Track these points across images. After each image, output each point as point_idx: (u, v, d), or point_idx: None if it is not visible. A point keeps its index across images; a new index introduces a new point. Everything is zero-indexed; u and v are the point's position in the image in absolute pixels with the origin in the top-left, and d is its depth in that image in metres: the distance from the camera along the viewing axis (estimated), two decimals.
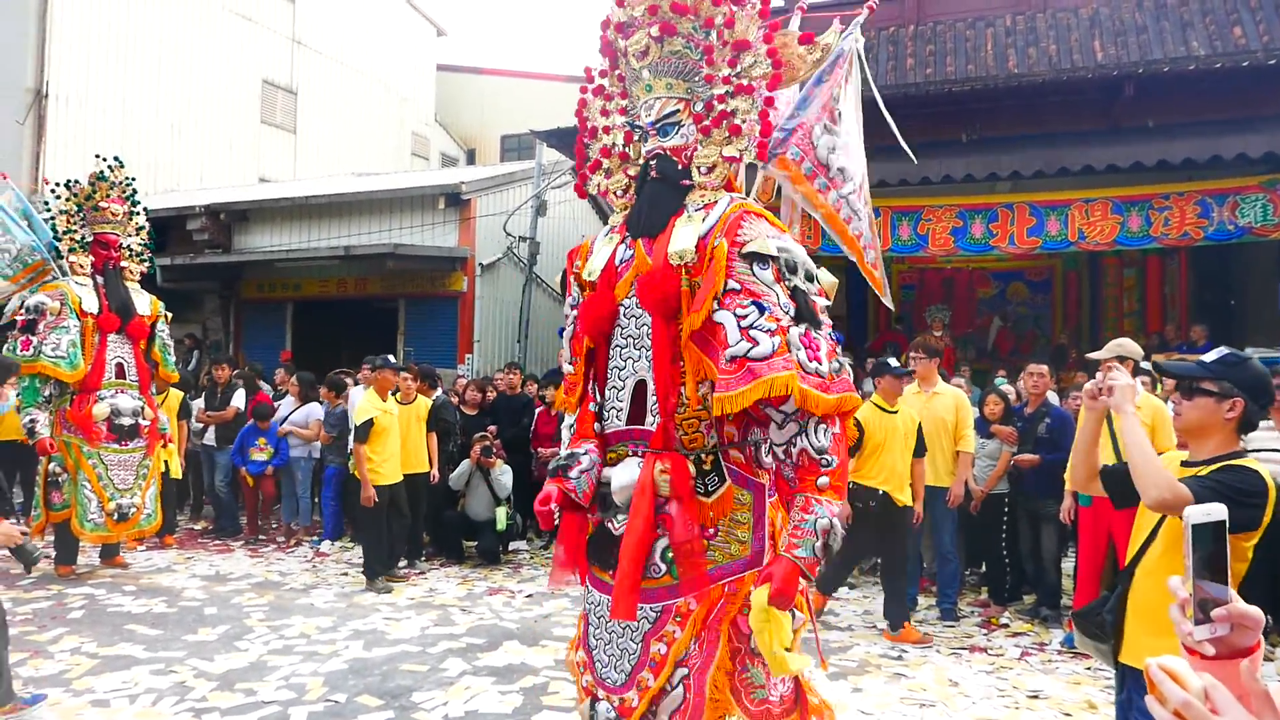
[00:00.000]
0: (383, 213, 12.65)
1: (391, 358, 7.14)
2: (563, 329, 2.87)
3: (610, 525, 2.53)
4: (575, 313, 2.75)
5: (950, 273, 12.17)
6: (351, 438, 6.89)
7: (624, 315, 2.57)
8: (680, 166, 2.56)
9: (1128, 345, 5.18)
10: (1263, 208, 8.07)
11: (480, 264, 12.31)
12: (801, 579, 2.27)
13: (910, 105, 9.72)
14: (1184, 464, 2.46)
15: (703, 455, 2.46)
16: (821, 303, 2.45)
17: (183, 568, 7.17)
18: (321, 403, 8.70)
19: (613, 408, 2.59)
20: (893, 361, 6.05)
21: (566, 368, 2.78)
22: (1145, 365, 5.60)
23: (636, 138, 2.66)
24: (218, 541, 8.37)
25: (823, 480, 2.31)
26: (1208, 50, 9.04)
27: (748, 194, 2.79)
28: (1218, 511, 1.17)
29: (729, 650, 2.38)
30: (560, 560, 2.62)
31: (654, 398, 2.48)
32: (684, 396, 2.45)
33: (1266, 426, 5.56)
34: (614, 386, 2.59)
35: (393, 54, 22.10)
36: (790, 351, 2.28)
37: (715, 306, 2.36)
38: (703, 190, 2.55)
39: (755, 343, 2.27)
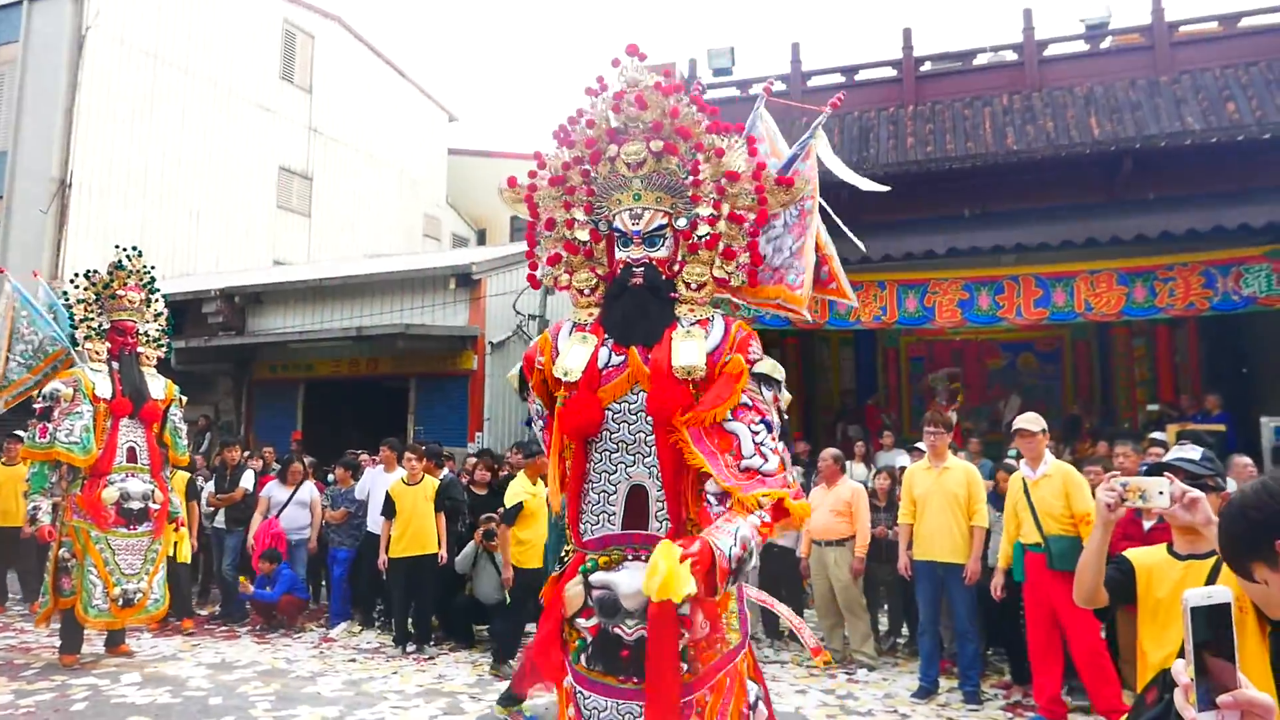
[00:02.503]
0: (394, 293, 12.84)
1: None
2: (530, 420, 2.94)
3: (620, 630, 2.45)
4: (541, 421, 2.82)
5: (959, 344, 12.20)
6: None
7: (612, 419, 2.57)
8: (665, 278, 2.65)
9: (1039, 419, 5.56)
10: (1267, 278, 8.12)
11: (490, 343, 12.42)
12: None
13: (912, 182, 9.93)
14: (1181, 556, 2.38)
15: None
16: (783, 420, 2.60)
17: (188, 655, 7.05)
18: (330, 482, 8.70)
19: (601, 512, 2.57)
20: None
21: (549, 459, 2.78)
22: (1161, 436, 5.55)
23: (603, 237, 2.70)
24: (224, 628, 8.25)
25: (753, 518, 2.29)
26: (1202, 125, 9.22)
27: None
28: (1220, 594, 1.16)
29: None
30: (541, 669, 2.65)
31: (660, 504, 2.52)
32: (690, 513, 2.49)
33: None
34: (602, 491, 2.58)
35: (405, 139, 22.75)
36: (786, 470, 2.44)
37: (728, 416, 2.45)
38: (691, 305, 2.64)
39: (765, 459, 2.40)
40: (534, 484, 6.89)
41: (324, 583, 9.19)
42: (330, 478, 8.95)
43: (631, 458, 2.55)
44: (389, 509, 7.32)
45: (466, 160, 24.74)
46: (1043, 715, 5.26)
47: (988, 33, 35.87)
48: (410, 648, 7.20)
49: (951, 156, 9.94)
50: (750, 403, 2.48)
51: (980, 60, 11.25)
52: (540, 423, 2.83)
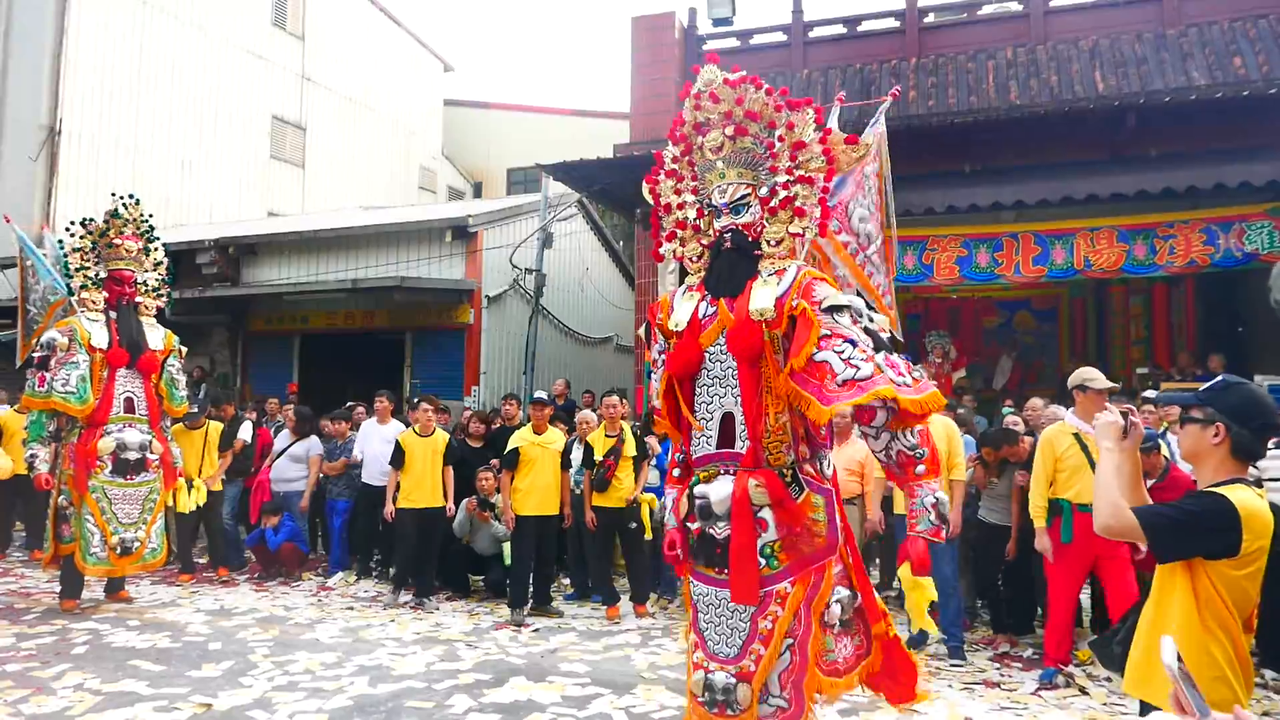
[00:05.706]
0: (390, 246, 12.74)
1: (542, 394, 7.30)
2: (650, 371, 3.54)
3: (713, 531, 3.06)
4: (663, 358, 3.37)
5: (956, 302, 12.16)
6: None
7: (709, 360, 3.17)
8: (750, 239, 3.20)
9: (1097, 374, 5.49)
10: (1269, 234, 8.06)
11: (487, 296, 12.37)
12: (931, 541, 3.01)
13: (913, 136, 9.78)
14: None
15: (784, 470, 3.04)
16: (888, 334, 3.06)
17: (187, 602, 7.13)
18: (327, 437, 8.69)
19: (703, 436, 3.18)
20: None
21: (656, 403, 3.41)
22: (1150, 394, 5.58)
23: (706, 213, 3.30)
24: (223, 576, 8.32)
25: (920, 469, 3.01)
26: (1208, 80, 9.09)
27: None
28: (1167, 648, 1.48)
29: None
30: (678, 565, 3.33)
31: (743, 425, 3.08)
32: (769, 424, 3.04)
33: None
34: (702, 418, 3.19)
35: (400, 89, 22.39)
36: (883, 372, 2.86)
37: (816, 350, 2.93)
38: (772, 259, 3.17)
39: (857, 368, 2.88)
40: (539, 433, 6.91)
41: (320, 533, 9.27)
42: (326, 429, 8.95)
43: (723, 390, 3.14)
44: (398, 459, 7.28)
45: (463, 111, 24.40)
46: (1052, 666, 5.35)
47: None
48: (406, 597, 7.27)
49: (953, 111, 9.80)
50: (830, 332, 2.94)
51: (985, 11, 11.05)
52: (659, 360, 3.43)
